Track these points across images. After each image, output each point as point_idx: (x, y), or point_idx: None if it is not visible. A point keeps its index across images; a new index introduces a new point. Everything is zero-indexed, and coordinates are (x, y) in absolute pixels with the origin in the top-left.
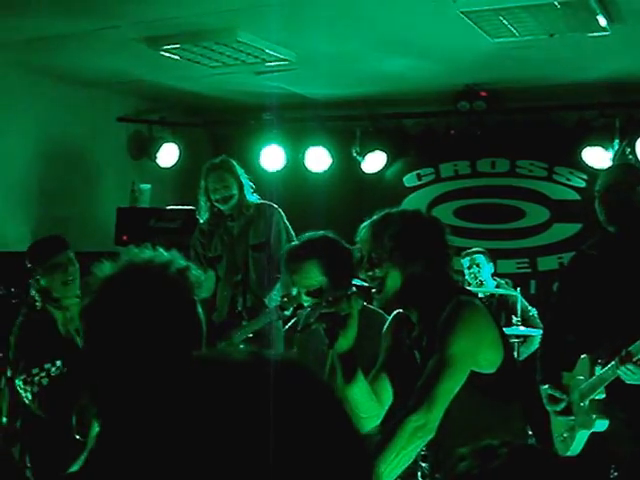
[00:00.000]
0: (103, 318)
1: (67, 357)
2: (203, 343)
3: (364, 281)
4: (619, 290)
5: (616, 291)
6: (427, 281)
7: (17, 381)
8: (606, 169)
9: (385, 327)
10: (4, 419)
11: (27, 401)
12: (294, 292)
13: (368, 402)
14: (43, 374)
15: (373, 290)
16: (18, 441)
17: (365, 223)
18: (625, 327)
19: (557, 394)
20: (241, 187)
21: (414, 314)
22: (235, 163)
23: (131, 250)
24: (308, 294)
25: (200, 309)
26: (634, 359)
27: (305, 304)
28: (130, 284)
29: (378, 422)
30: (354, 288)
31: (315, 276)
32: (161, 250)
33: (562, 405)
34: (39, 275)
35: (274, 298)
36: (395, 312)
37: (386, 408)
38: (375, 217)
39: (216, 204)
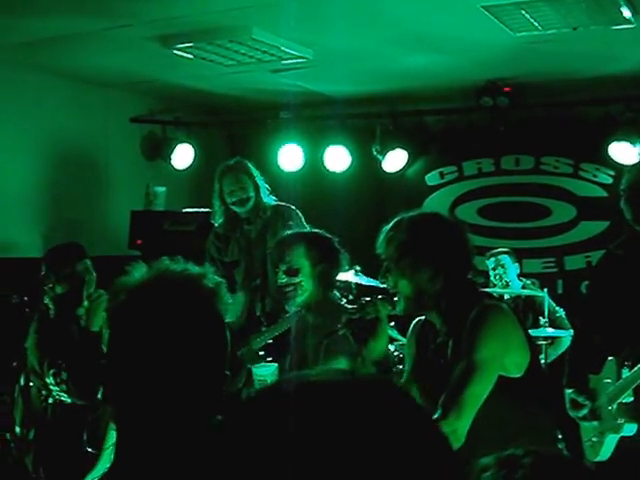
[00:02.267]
0: (131, 321)
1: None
2: (227, 358)
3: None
4: None
5: None
6: (449, 289)
7: (47, 379)
8: (631, 166)
9: (408, 334)
10: (17, 429)
11: (60, 393)
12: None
13: None
14: (63, 365)
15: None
16: (31, 451)
17: (384, 229)
18: None
19: (580, 399)
20: (257, 189)
21: (438, 320)
22: (250, 164)
23: (164, 261)
24: (286, 272)
25: (227, 327)
26: None
27: (280, 281)
28: (162, 291)
29: None
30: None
31: (299, 256)
32: (193, 264)
33: (584, 411)
34: (54, 283)
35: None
36: (417, 319)
37: None
38: (390, 223)
39: (232, 207)
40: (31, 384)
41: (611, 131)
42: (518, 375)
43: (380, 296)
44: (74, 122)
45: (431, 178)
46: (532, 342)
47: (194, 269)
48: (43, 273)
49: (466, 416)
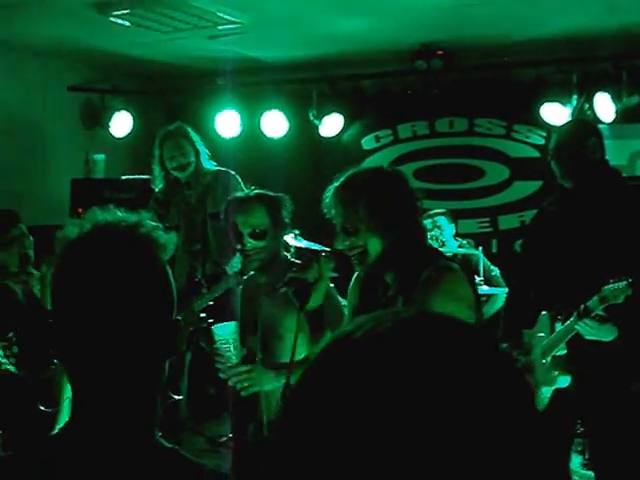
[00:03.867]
0: (72, 282)
1: (32, 324)
2: (175, 306)
3: (341, 250)
4: (578, 245)
5: (575, 247)
6: (407, 245)
7: None
8: (559, 126)
9: (351, 286)
10: None
11: (8, 366)
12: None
13: None
14: (15, 339)
15: (354, 259)
16: None
17: (330, 188)
18: (584, 283)
19: (514, 354)
20: (198, 154)
21: (389, 275)
22: (190, 129)
23: (95, 212)
24: (252, 236)
25: (170, 271)
26: (592, 314)
27: (248, 245)
28: (99, 245)
29: None
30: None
31: (261, 216)
32: (127, 212)
33: (518, 365)
34: None
35: (235, 265)
36: (357, 272)
37: None
38: (339, 181)
39: (173, 172)
40: None
41: (543, 93)
42: None
43: (323, 253)
44: (11, 91)
45: (367, 142)
46: (479, 301)
47: (130, 218)
48: None
49: None
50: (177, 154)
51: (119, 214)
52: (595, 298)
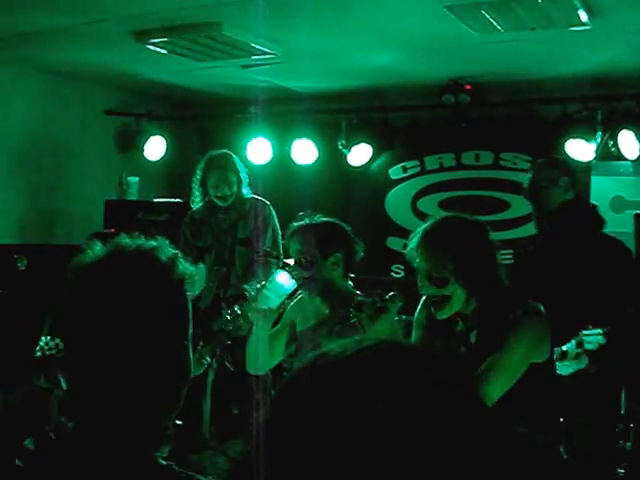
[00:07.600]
0: (89, 299)
1: None
2: (190, 329)
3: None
4: (556, 286)
5: (553, 287)
6: (491, 295)
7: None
8: (531, 165)
9: (419, 310)
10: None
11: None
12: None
13: None
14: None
15: (434, 304)
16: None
17: (416, 233)
18: (562, 324)
19: None
20: (240, 184)
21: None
22: (236, 159)
23: (121, 237)
24: (300, 263)
25: (187, 296)
26: (569, 357)
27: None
28: (118, 266)
29: None
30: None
31: (311, 246)
32: (150, 239)
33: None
34: None
35: (253, 289)
36: (425, 297)
37: None
38: (426, 229)
39: (215, 199)
40: None
41: (568, 129)
42: (540, 361)
43: (392, 293)
44: (50, 113)
45: (394, 172)
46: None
47: (149, 243)
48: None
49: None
50: (223, 185)
51: (140, 240)
52: (573, 342)
